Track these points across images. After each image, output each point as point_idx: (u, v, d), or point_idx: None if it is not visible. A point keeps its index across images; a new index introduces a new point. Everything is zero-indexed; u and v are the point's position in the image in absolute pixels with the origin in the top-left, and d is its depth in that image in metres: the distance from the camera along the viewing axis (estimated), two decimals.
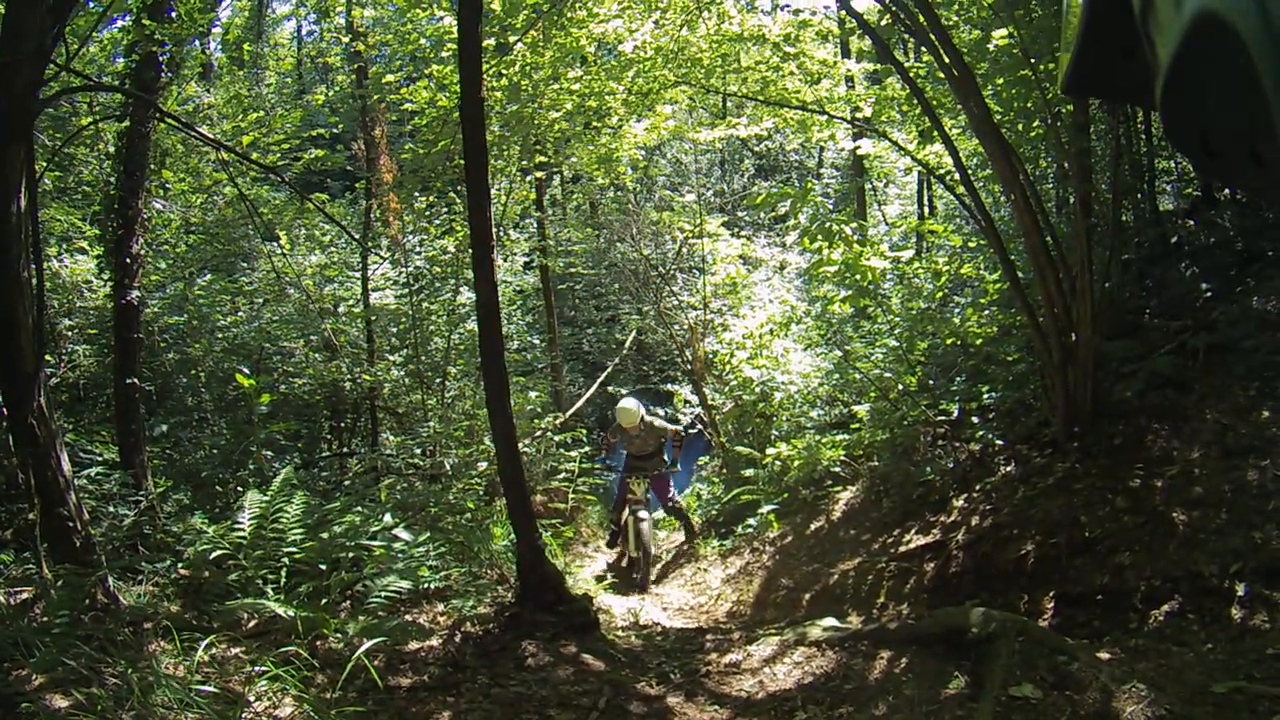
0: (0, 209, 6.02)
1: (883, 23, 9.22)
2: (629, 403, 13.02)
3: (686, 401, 17.01)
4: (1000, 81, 8.49)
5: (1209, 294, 8.49)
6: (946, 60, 7.57)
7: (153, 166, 9.04)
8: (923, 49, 8.86)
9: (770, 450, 10.92)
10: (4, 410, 6.20)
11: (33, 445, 6.11)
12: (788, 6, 11.18)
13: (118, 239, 8.54)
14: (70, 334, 10.77)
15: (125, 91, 8.56)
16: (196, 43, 12.50)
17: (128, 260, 8.46)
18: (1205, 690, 4.54)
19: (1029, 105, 8.44)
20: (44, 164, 6.98)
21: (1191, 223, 9.89)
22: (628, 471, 12.60)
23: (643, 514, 11.71)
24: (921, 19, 7.71)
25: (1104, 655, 5.18)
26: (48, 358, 6.51)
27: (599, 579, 11.71)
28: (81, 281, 10.93)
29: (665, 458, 12.86)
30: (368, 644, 5.70)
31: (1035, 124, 8.73)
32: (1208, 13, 0.85)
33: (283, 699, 5.21)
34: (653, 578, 11.71)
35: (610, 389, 17.68)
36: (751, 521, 11.04)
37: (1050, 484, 7.21)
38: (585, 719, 5.43)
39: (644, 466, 12.58)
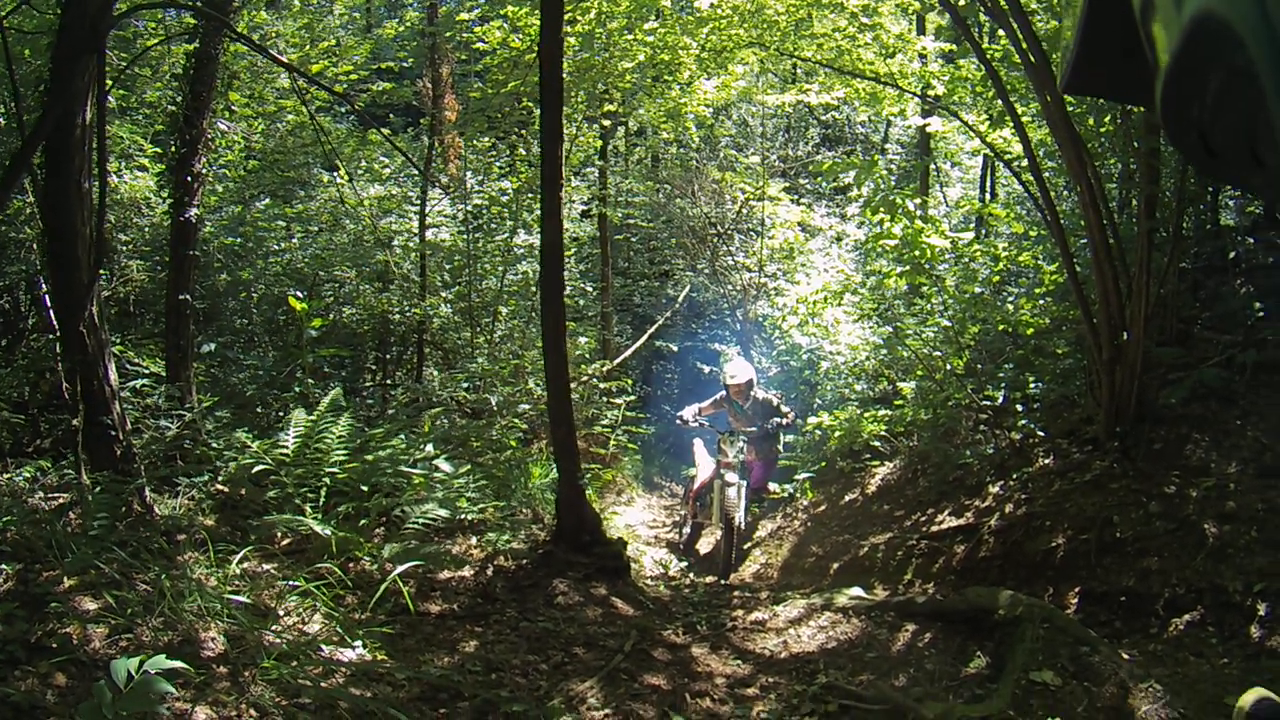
0: (66, 119, 6.11)
1: (961, 2, 9.13)
2: (739, 364, 11.25)
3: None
4: None
5: (1261, 313, 8.39)
6: (1024, 46, 7.50)
7: (219, 88, 9.10)
8: (999, 32, 8.77)
9: (812, 419, 10.90)
10: (55, 318, 6.31)
11: (81, 354, 6.23)
12: None
13: (180, 156, 8.59)
14: (124, 249, 10.93)
15: (200, 11, 8.61)
16: None
17: (189, 178, 8.52)
18: (1218, 701, 4.56)
19: (1102, 100, 8.36)
20: (111, 81, 7.06)
21: (1251, 240, 9.75)
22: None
23: (731, 478, 9.62)
24: (1002, 2, 7.65)
25: (1123, 655, 5.21)
26: (101, 270, 6.60)
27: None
28: (140, 198, 11.07)
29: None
30: (401, 567, 5.82)
31: (1107, 120, 8.65)
32: (1208, 13, 0.87)
33: (312, 615, 5.33)
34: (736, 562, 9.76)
35: (659, 343, 17.66)
36: (787, 487, 11.04)
37: (1087, 480, 7.19)
38: (610, 660, 5.53)
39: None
